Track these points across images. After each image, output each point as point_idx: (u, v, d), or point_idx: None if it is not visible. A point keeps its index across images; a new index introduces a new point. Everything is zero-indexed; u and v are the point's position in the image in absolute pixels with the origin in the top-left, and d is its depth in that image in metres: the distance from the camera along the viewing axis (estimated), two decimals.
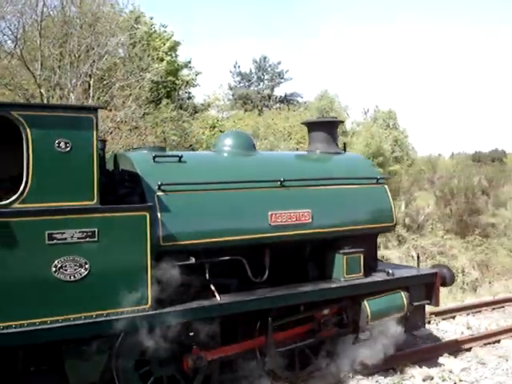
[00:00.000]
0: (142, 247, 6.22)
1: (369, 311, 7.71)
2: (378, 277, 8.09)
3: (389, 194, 8.49)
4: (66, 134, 5.92)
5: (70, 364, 6.02)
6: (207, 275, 6.81)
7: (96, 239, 5.95)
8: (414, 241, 21.73)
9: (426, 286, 8.52)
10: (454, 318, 12.12)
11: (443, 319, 11.87)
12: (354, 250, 7.88)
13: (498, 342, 10.34)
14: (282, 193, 7.55)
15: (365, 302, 7.76)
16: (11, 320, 5.55)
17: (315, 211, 7.60)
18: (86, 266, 5.91)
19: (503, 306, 13.16)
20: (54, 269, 5.74)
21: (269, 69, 57.64)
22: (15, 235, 5.60)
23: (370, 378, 8.23)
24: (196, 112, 32.80)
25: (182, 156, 7.20)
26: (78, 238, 5.86)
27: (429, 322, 11.18)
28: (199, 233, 6.72)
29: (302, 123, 9.68)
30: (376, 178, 8.54)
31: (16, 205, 5.69)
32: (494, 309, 13.00)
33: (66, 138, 5.91)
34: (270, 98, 54.82)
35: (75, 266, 5.85)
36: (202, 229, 6.75)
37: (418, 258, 9.51)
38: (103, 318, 5.98)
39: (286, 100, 54.19)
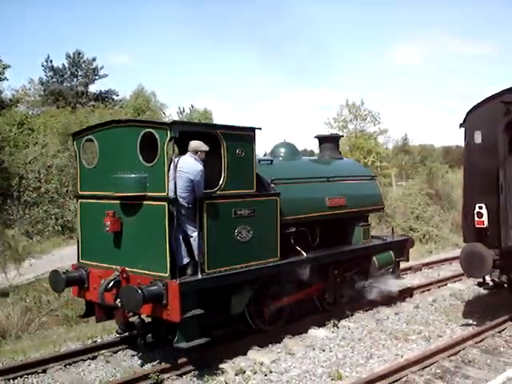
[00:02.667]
0: (276, 220, 9.71)
1: (377, 263, 11.82)
2: (378, 242, 12.21)
3: (379, 186, 12.85)
4: (241, 145, 9.16)
5: (234, 299, 9.19)
6: (292, 240, 10.34)
7: (255, 214, 9.29)
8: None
9: (401, 248, 12.73)
10: None
11: None
12: (366, 224, 12.23)
13: (306, 331, 10.62)
14: (329, 185, 11.42)
15: (374, 257, 11.86)
16: (218, 267, 8.73)
17: (347, 197, 11.56)
18: (251, 232, 9.23)
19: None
20: (236, 233, 9.00)
21: (83, 65, 55.41)
22: (218, 210, 8.76)
23: (184, 376, 8.65)
24: (3, 108, 31.94)
25: (272, 160, 10.74)
26: (248, 214, 9.18)
27: None
28: (295, 212, 10.29)
29: (315, 137, 13.22)
30: (371, 175, 12.98)
31: (218, 192, 8.83)
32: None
33: (241, 147, 9.13)
34: (84, 94, 53.46)
35: (246, 232, 9.14)
36: (296, 209, 10.33)
37: (393, 230, 13.83)
38: (262, 266, 9.41)
39: (101, 97, 53.75)
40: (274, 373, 8.79)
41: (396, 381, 8.27)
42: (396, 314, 12.09)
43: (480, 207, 10.49)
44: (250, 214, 9.17)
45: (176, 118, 50.13)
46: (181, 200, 8.44)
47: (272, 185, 9.89)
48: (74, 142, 9.99)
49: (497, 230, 10.30)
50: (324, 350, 9.79)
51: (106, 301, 8.65)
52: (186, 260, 8.61)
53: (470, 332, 10.43)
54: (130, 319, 9.14)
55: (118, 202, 8.83)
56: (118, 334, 9.90)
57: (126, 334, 9.67)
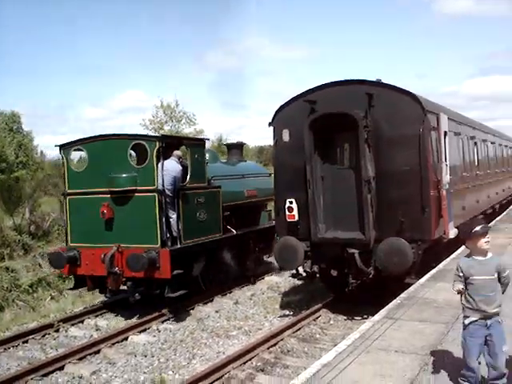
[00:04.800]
0: (219, 206, 13.39)
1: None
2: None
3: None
4: (198, 151, 12.75)
5: (196, 265, 12.48)
6: (225, 221, 13.76)
7: (208, 201, 12.77)
8: (40, 248, 20.58)
9: None
10: (82, 322, 12.03)
11: (72, 325, 11.75)
12: (268, 209, 16.21)
13: (126, 339, 10.64)
14: (245, 180, 15.32)
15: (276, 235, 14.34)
16: (189, 239, 12.14)
17: (257, 190, 15.37)
18: (206, 214, 12.72)
19: (107, 311, 12.87)
20: (198, 215, 12.44)
21: None
22: (188, 198, 12.17)
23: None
24: None
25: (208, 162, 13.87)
26: (204, 201, 12.66)
27: (57, 331, 11.38)
28: (227, 200, 13.79)
29: (224, 144, 17.39)
30: (268, 173, 16.75)
31: (187, 185, 12.26)
32: (97, 315, 12.55)
33: (198, 153, 12.74)
34: None
35: (203, 214, 12.58)
36: (228, 198, 13.85)
37: None
38: (213, 239, 13.10)
39: None
40: None
41: (219, 378, 8.41)
42: (216, 311, 12.41)
43: (290, 202, 10.97)
44: (205, 201, 12.69)
45: None
46: (166, 191, 11.67)
47: (212, 180, 13.35)
48: (62, 152, 12.50)
49: (307, 223, 10.83)
50: (146, 356, 9.77)
51: (111, 268, 11.43)
52: (166, 235, 11.67)
53: (288, 322, 10.87)
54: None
55: (109, 196, 11.78)
56: (106, 297, 13.09)
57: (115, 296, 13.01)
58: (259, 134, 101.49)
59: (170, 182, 11.69)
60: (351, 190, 10.68)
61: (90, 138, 12.34)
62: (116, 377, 8.85)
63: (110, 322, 11.86)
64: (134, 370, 9.05)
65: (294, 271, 11.82)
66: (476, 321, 5.01)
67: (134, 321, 11.58)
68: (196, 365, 9.20)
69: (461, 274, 5.08)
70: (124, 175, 11.61)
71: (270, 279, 15.42)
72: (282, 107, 11.63)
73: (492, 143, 21.15)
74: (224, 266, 13.93)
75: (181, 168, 12.02)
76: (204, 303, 12.91)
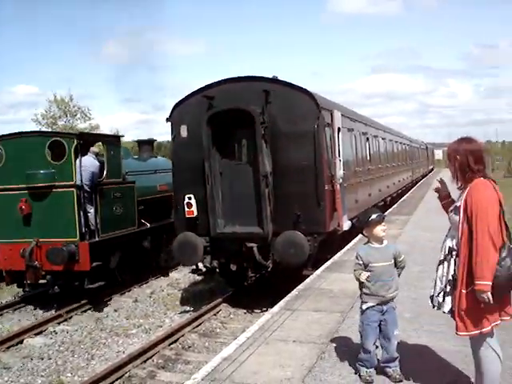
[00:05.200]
0: (134, 200, 13.78)
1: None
2: None
3: None
4: (114, 148, 13.20)
5: (113, 257, 12.93)
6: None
7: (123, 196, 13.20)
8: None
9: None
10: None
11: None
12: None
13: (21, 342, 10.21)
14: (157, 176, 15.76)
15: None
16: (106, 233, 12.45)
17: (167, 184, 14.79)
18: (122, 208, 13.11)
19: (25, 305, 12.68)
20: (114, 209, 12.84)
21: None
22: (104, 193, 12.43)
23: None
24: None
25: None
26: (119, 196, 13.04)
27: None
28: (141, 194, 14.22)
29: (135, 141, 17.15)
30: None
31: (104, 180, 12.47)
32: (16, 309, 12.48)
33: (114, 149, 13.17)
34: None
35: (119, 208, 12.97)
36: (142, 193, 14.24)
37: None
38: (128, 232, 13.56)
39: None
40: None
41: (119, 378, 8.24)
42: (115, 310, 12.17)
43: (189, 198, 10.96)
44: (121, 195, 12.95)
45: None
46: (85, 186, 11.91)
47: (127, 176, 13.61)
48: None
49: (206, 218, 10.87)
50: (43, 359, 9.43)
51: (30, 262, 11.58)
52: (85, 229, 11.86)
53: (188, 318, 10.80)
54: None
55: (27, 192, 11.94)
56: (24, 292, 13.07)
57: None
58: (157, 130, 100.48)
59: (89, 177, 12.01)
60: (249, 185, 10.83)
61: (8, 135, 12.50)
62: (12, 382, 8.57)
63: (4, 325, 11.38)
64: (30, 374, 8.76)
65: (194, 267, 11.86)
66: (373, 306, 5.26)
67: (29, 323, 11.11)
68: (95, 365, 9.01)
69: (360, 262, 5.30)
70: (42, 171, 11.83)
71: (170, 275, 15.35)
72: (179, 102, 11.60)
73: (383, 139, 22.11)
74: (139, 258, 14.32)
75: (98, 164, 12.34)
76: (121, 293, 13.41)
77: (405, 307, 7.30)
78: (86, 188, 11.98)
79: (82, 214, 11.80)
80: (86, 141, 12.23)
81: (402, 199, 26.35)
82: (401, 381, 5.23)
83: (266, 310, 10.80)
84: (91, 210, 12.06)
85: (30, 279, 11.83)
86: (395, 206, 23.06)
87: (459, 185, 4.51)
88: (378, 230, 5.30)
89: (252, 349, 6.38)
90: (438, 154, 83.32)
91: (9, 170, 12.16)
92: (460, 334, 4.39)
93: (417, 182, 40.22)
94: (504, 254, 4.18)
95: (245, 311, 11.50)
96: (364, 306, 5.35)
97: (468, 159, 4.36)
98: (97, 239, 12.10)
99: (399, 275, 5.44)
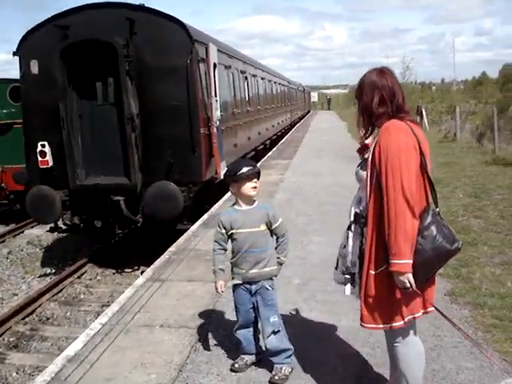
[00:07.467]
0: None
1: None
2: None
3: None
4: None
5: None
6: None
7: None
8: None
9: None
10: None
11: None
12: None
13: None
14: None
15: None
16: None
17: None
18: None
19: None
20: None
21: None
22: None
23: None
24: None
25: None
26: None
27: None
28: None
29: None
30: None
31: None
32: None
33: None
34: None
35: None
36: None
37: None
38: None
39: None
40: None
41: None
42: None
43: (43, 145, 9.49)
44: None
45: None
46: None
47: None
48: None
49: (63, 169, 9.45)
50: None
51: None
52: None
53: (49, 283, 9.39)
54: None
55: None
56: None
57: None
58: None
59: None
60: (114, 129, 9.50)
61: None
62: None
63: None
64: None
65: (53, 225, 10.45)
66: (241, 284, 4.16)
67: None
68: None
69: (223, 231, 4.12)
70: (4, 111, 14.50)
71: (30, 232, 13.69)
72: (28, 33, 9.93)
73: (262, 79, 21.20)
74: None
75: None
76: None
77: (293, 271, 6.33)
78: None
79: None
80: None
81: (281, 142, 25.81)
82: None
83: (138, 270, 9.87)
84: None
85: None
86: (275, 148, 22.40)
87: (363, 132, 3.40)
88: (248, 187, 4.05)
89: (107, 341, 4.97)
90: (314, 97, 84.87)
91: None
92: (366, 326, 3.29)
93: (295, 124, 40.15)
94: (428, 221, 3.07)
95: (113, 272, 10.13)
96: (230, 283, 4.25)
97: (373, 96, 3.21)
98: None
99: (281, 246, 4.20)
